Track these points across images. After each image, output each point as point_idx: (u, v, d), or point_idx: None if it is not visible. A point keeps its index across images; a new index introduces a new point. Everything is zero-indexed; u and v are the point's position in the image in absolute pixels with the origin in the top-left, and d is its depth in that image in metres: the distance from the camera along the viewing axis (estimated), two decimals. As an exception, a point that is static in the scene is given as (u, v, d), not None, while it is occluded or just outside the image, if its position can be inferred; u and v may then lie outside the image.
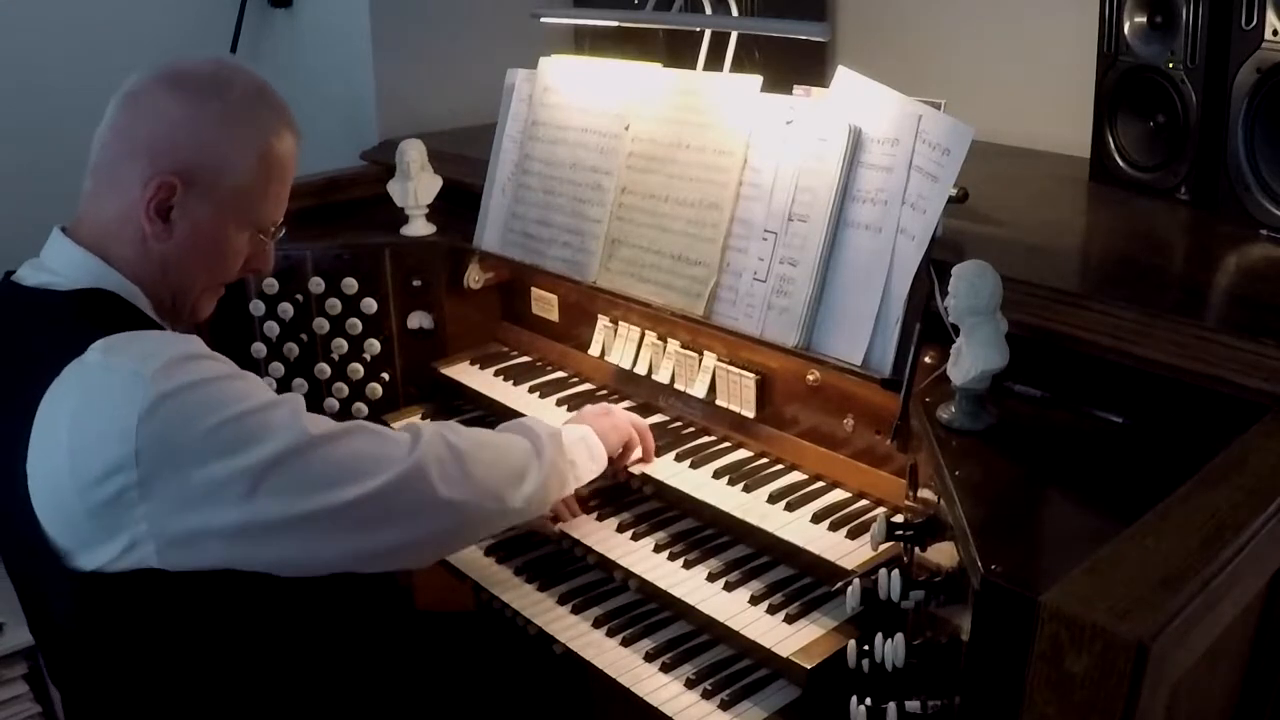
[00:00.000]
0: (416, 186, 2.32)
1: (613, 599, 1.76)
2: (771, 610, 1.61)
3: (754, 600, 1.63)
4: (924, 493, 1.44)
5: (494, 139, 2.25)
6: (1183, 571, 1.00)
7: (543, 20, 2.36)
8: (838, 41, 2.89)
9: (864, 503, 1.74)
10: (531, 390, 2.18)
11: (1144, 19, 2.02)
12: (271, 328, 2.30)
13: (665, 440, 1.93)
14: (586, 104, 2.08)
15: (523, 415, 2.10)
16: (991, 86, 2.54)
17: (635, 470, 1.85)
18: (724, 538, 1.78)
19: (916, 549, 1.43)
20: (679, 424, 2.01)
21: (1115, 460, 1.35)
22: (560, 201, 2.09)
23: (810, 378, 1.81)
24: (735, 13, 2.17)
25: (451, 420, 1.66)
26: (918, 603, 1.31)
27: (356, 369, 2.32)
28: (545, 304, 2.31)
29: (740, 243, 1.81)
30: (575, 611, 1.74)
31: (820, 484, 1.79)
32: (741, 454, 1.90)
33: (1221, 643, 1.12)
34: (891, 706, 1.25)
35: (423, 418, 2.27)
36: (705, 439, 1.95)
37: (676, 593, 1.67)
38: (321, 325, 2.31)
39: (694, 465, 1.85)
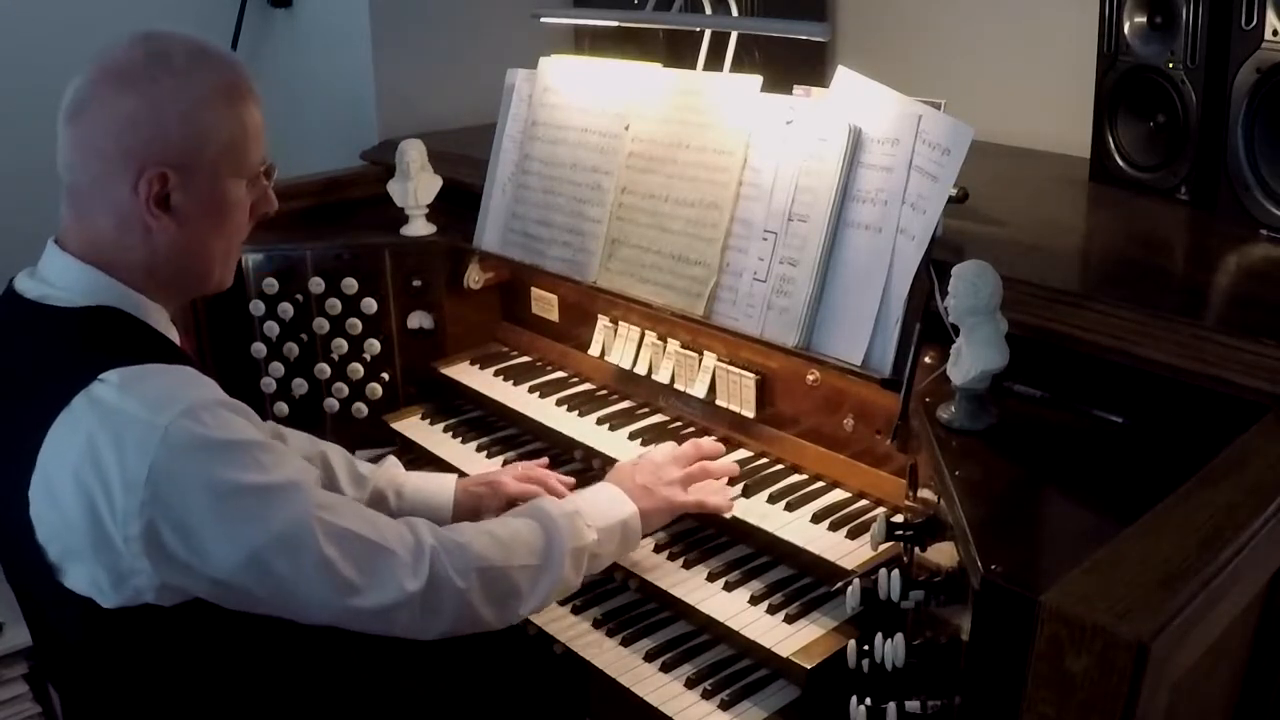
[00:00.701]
0: (416, 186, 2.32)
1: (613, 599, 1.76)
2: (771, 610, 1.61)
3: (754, 600, 1.63)
4: (924, 493, 1.44)
5: (494, 139, 2.25)
6: (1183, 571, 1.00)
7: (543, 20, 2.36)
8: (838, 41, 2.89)
9: (864, 503, 1.74)
10: (531, 390, 2.18)
11: (1144, 19, 2.02)
12: (271, 328, 2.30)
13: (665, 441, 1.93)
14: (586, 104, 2.08)
15: (522, 415, 2.11)
16: (991, 86, 2.53)
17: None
18: (724, 538, 1.78)
19: (916, 549, 1.43)
20: (679, 424, 2.01)
21: (1115, 460, 1.34)
22: (560, 201, 2.09)
23: (810, 378, 1.81)
24: (735, 13, 2.17)
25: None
26: (918, 603, 1.31)
27: (356, 369, 2.32)
28: (545, 304, 2.31)
29: (740, 243, 1.81)
30: (575, 612, 1.74)
31: (820, 484, 1.79)
32: (741, 454, 1.90)
33: (1221, 643, 1.12)
34: (891, 706, 1.25)
35: (423, 418, 2.27)
36: (705, 439, 1.95)
37: (676, 593, 1.67)
38: (321, 325, 2.31)
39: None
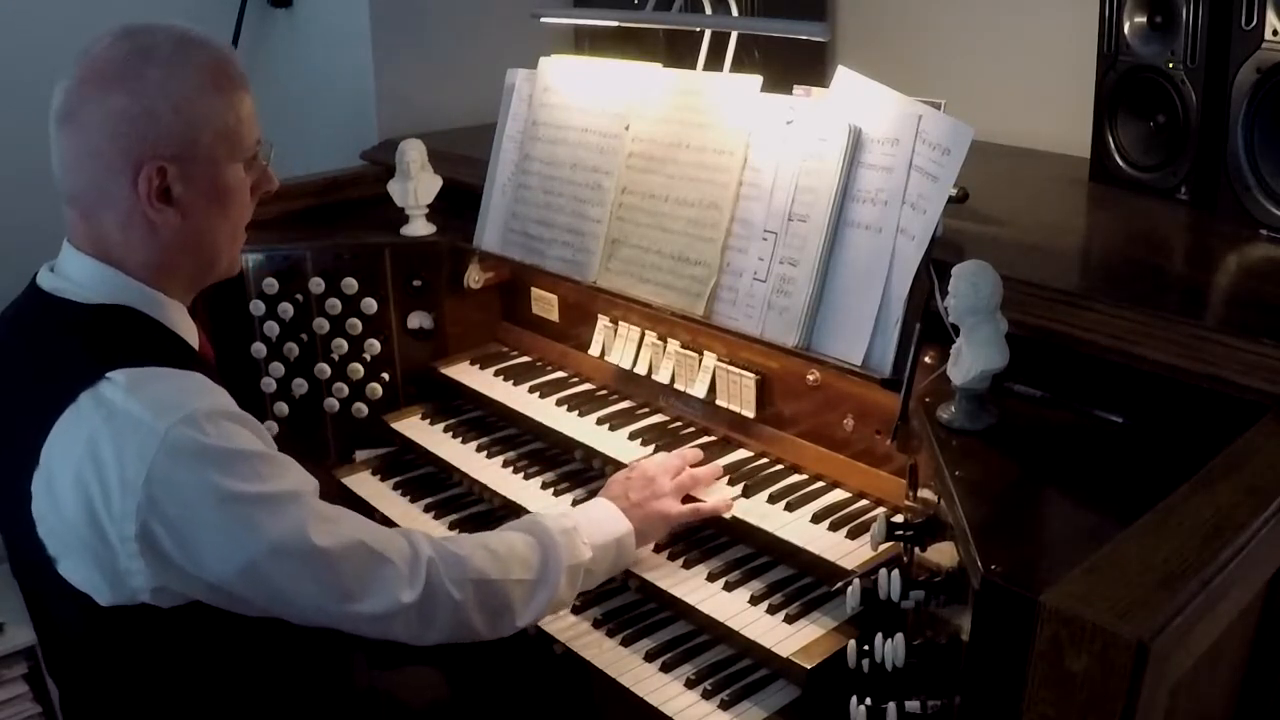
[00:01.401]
0: (416, 186, 2.32)
1: (613, 599, 1.76)
2: (771, 610, 1.61)
3: (754, 600, 1.63)
4: (924, 493, 1.44)
5: (494, 139, 2.25)
6: (1183, 571, 1.00)
7: (543, 20, 2.36)
8: (838, 41, 2.89)
9: (864, 503, 1.74)
10: (532, 390, 2.18)
11: (1144, 19, 2.02)
12: (271, 328, 2.30)
13: (664, 441, 1.94)
14: (586, 104, 2.08)
15: (522, 415, 2.11)
16: (991, 86, 2.53)
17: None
18: (724, 538, 1.78)
19: (916, 549, 1.43)
20: (679, 424, 2.01)
21: (1115, 460, 1.34)
22: (560, 201, 2.09)
23: (810, 378, 1.81)
24: (735, 13, 2.17)
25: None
26: (918, 603, 1.31)
27: (356, 369, 2.32)
28: (545, 304, 2.31)
29: (740, 243, 1.81)
30: (575, 612, 1.73)
31: (820, 484, 1.79)
32: (741, 454, 1.90)
33: (1221, 643, 1.12)
34: (891, 706, 1.25)
35: (423, 418, 2.27)
36: (705, 439, 1.95)
37: (676, 593, 1.68)
38: (321, 325, 2.31)
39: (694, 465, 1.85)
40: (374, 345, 2.32)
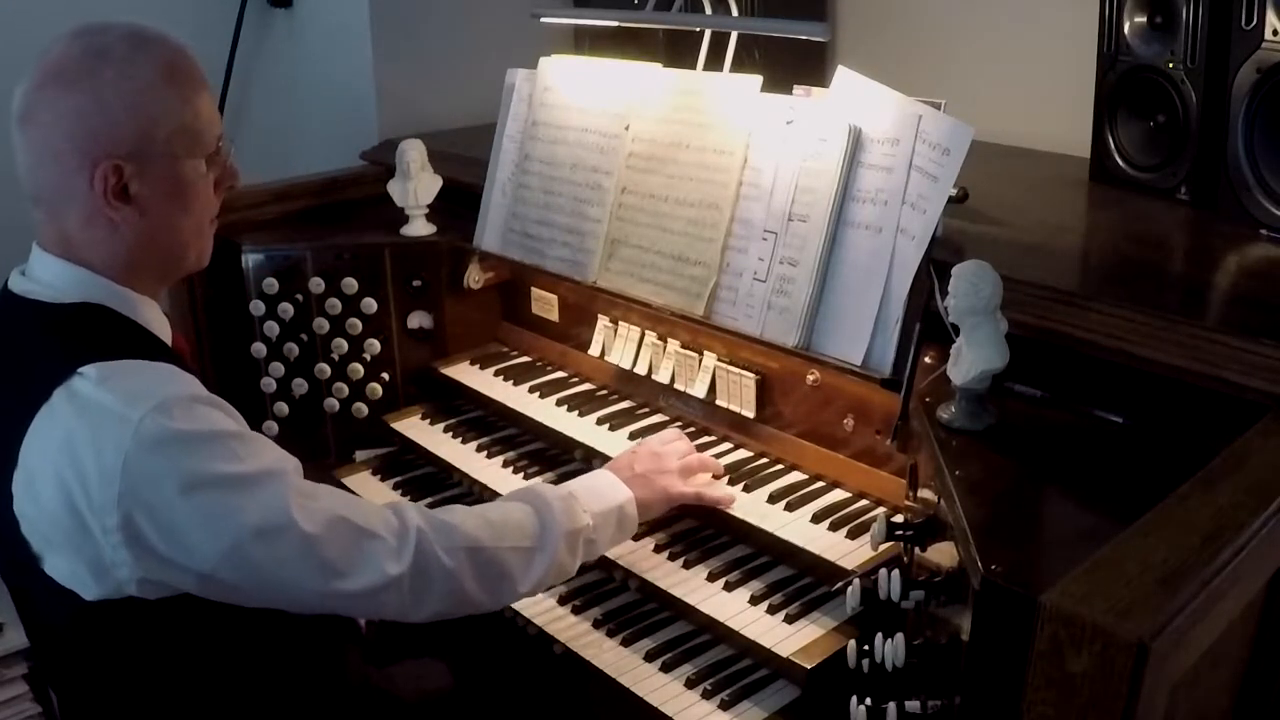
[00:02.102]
0: (416, 186, 2.32)
1: (613, 599, 1.76)
2: (771, 610, 1.61)
3: (754, 600, 1.63)
4: (924, 493, 1.44)
5: (494, 139, 2.25)
6: (1183, 571, 1.00)
7: (543, 20, 2.36)
8: (838, 41, 2.89)
9: (864, 503, 1.74)
10: (532, 390, 2.18)
11: (1144, 19, 2.02)
12: (271, 328, 2.30)
13: (665, 440, 1.94)
14: (586, 104, 2.08)
15: (522, 415, 2.11)
16: (991, 86, 2.53)
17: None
18: (724, 538, 1.78)
19: (916, 549, 1.43)
20: (679, 424, 2.01)
21: (1115, 460, 1.34)
22: (560, 201, 2.09)
23: (810, 378, 1.81)
24: (735, 13, 2.17)
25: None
26: (918, 603, 1.31)
27: (356, 369, 2.32)
28: (545, 304, 2.31)
29: (740, 243, 1.81)
30: (575, 612, 1.74)
31: (820, 484, 1.79)
32: (741, 454, 1.90)
33: (1221, 643, 1.12)
34: (891, 706, 1.25)
35: (423, 418, 2.27)
36: (705, 439, 1.95)
37: (676, 593, 1.67)
38: (321, 325, 2.30)
39: (694, 465, 1.85)
40: (374, 345, 2.32)
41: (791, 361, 1.82)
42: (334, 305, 2.29)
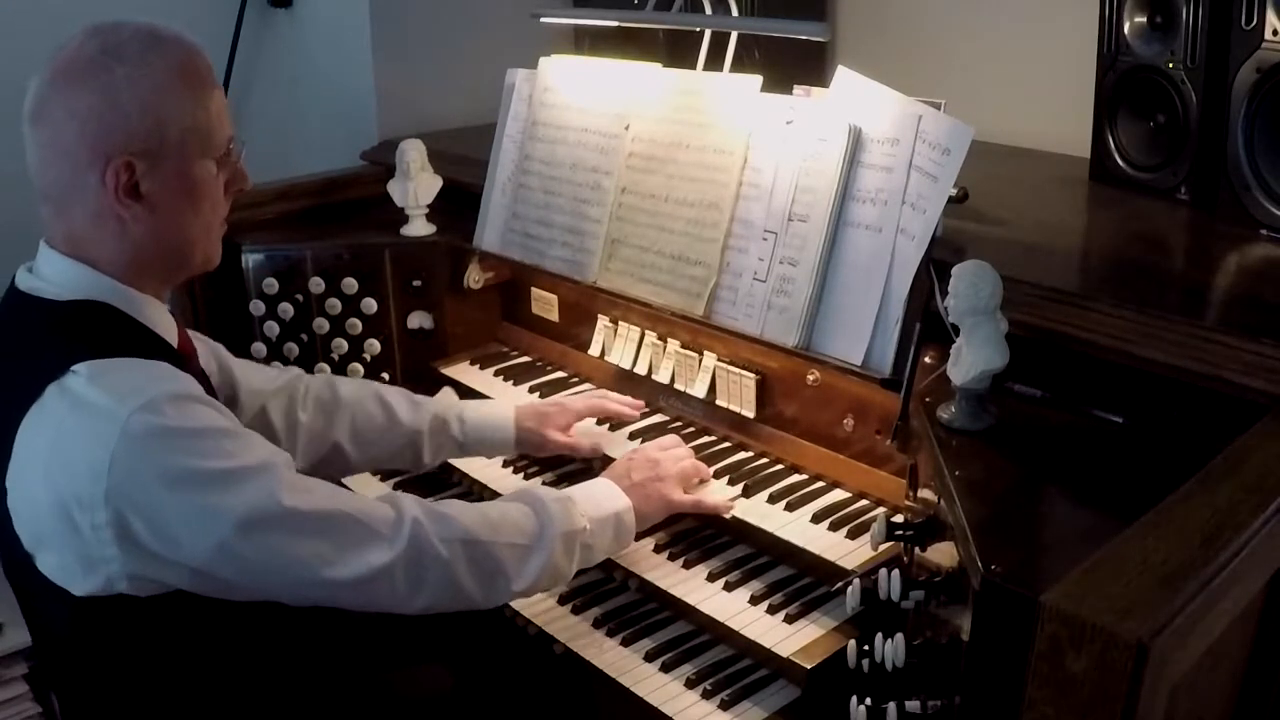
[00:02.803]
0: (416, 186, 2.32)
1: (613, 599, 1.76)
2: (771, 610, 1.61)
3: (754, 600, 1.63)
4: (924, 493, 1.45)
5: (494, 139, 2.25)
6: (1183, 571, 1.00)
7: (543, 20, 2.36)
8: (838, 41, 2.89)
9: (864, 503, 1.74)
10: (531, 390, 2.18)
11: (1144, 19, 2.02)
12: (271, 328, 2.30)
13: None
14: (586, 104, 2.08)
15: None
16: (991, 86, 2.53)
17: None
18: (724, 538, 1.78)
19: (916, 549, 1.43)
20: (679, 424, 2.01)
21: (1115, 460, 1.34)
22: (560, 201, 2.09)
23: (810, 378, 1.81)
24: (735, 13, 2.17)
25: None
26: (918, 603, 1.32)
27: (356, 369, 2.32)
28: (545, 304, 2.31)
29: (740, 243, 1.81)
30: (575, 612, 1.74)
31: (820, 484, 1.79)
32: (741, 454, 1.90)
33: (1221, 643, 1.12)
34: (891, 706, 1.25)
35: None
36: (705, 439, 1.95)
37: (676, 593, 1.67)
38: (321, 325, 2.31)
39: (694, 465, 1.85)
40: (374, 345, 2.32)
41: (791, 361, 1.82)
42: (334, 305, 2.29)
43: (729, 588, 1.67)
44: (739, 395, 1.92)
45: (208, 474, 1.28)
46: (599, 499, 1.65)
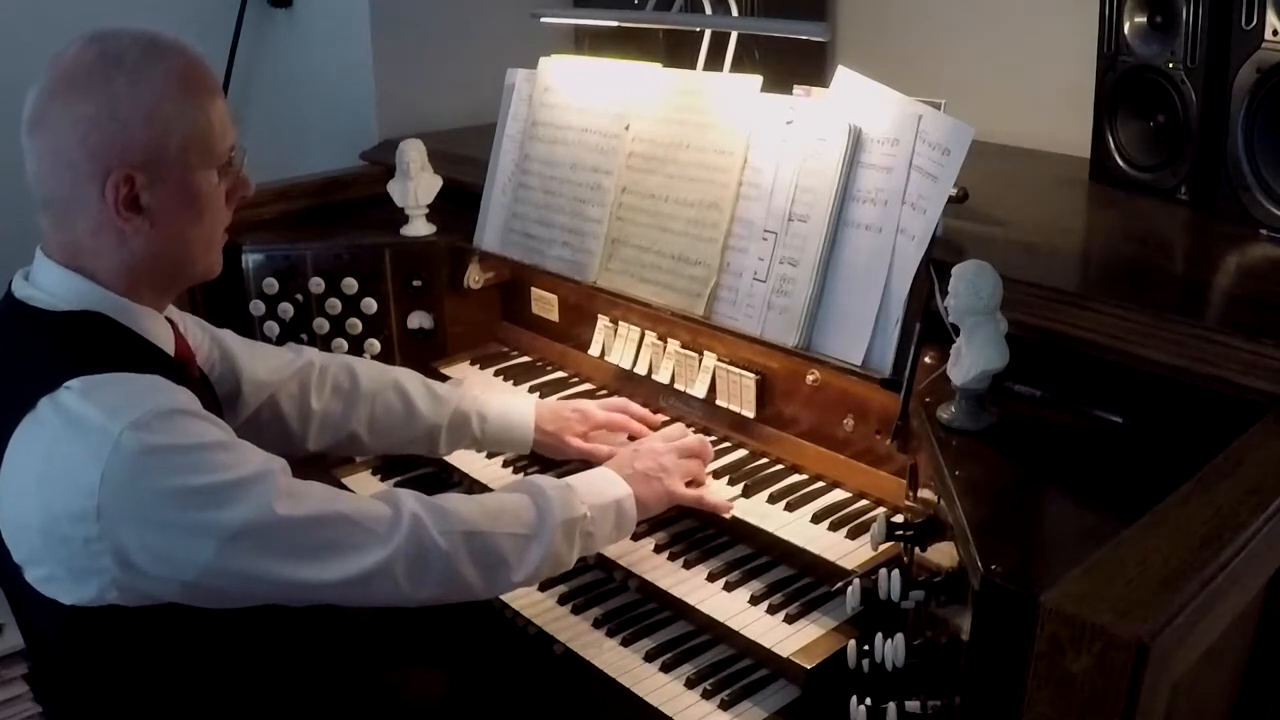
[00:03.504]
0: (416, 186, 2.32)
1: (613, 599, 1.76)
2: (771, 610, 1.61)
3: (754, 600, 1.63)
4: (924, 493, 1.45)
5: (494, 139, 2.25)
6: (1183, 571, 1.00)
7: (543, 20, 2.36)
8: (838, 41, 2.89)
9: (864, 503, 1.74)
10: (532, 390, 2.18)
11: (1144, 19, 2.02)
12: (271, 328, 2.30)
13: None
14: (586, 104, 2.08)
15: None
16: (991, 86, 2.53)
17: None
18: (724, 538, 1.78)
19: (916, 549, 1.43)
20: (679, 424, 2.01)
21: (1115, 460, 1.35)
22: (560, 201, 2.09)
23: (810, 378, 1.81)
24: (735, 13, 2.17)
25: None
26: (918, 603, 1.31)
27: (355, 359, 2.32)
28: (545, 304, 2.31)
29: (740, 243, 1.81)
30: (575, 612, 1.73)
31: (820, 484, 1.79)
32: (741, 454, 1.90)
33: (1221, 643, 1.12)
34: (891, 706, 1.25)
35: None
36: (705, 439, 1.95)
37: (676, 593, 1.67)
38: (321, 325, 2.31)
39: (694, 465, 1.85)
40: (374, 345, 2.32)
41: (791, 361, 1.82)
42: (334, 305, 2.29)
43: (729, 588, 1.67)
44: (739, 395, 1.92)
45: (199, 490, 1.27)
46: (599, 486, 1.64)
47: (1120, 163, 2.11)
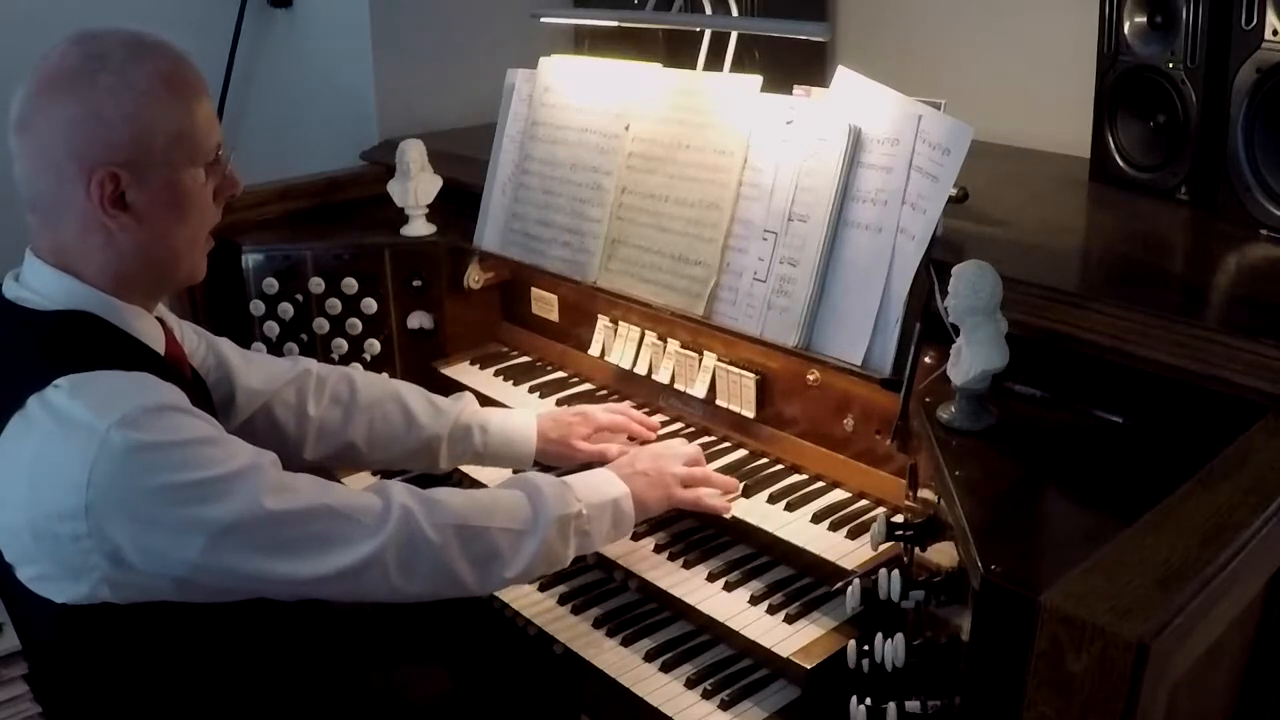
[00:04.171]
0: (416, 186, 2.32)
1: (613, 599, 1.76)
2: (771, 610, 1.61)
3: (754, 600, 1.63)
4: (924, 493, 1.45)
5: (494, 139, 2.25)
6: (1183, 571, 1.00)
7: (543, 20, 2.36)
8: (838, 41, 2.89)
9: (864, 503, 1.74)
10: (531, 390, 2.18)
11: (1144, 19, 2.02)
12: (271, 328, 2.30)
13: (666, 441, 1.93)
14: (586, 104, 2.08)
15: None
16: (991, 86, 2.54)
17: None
18: (724, 538, 1.78)
19: (916, 549, 1.43)
20: (679, 424, 2.01)
21: (1115, 460, 1.35)
22: (560, 201, 2.09)
23: (810, 378, 1.81)
24: (735, 13, 2.17)
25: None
26: (918, 603, 1.32)
27: (356, 369, 2.32)
28: (545, 304, 2.31)
29: (740, 243, 1.81)
30: (575, 612, 1.73)
31: (820, 484, 1.79)
32: (741, 454, 1.90)
33: (1221, 643, 1.12)
34: (891, 706, 1.25)
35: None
36: (705, 439, 1.95)
37: (676, 593, 1.67)
38: (321, 325, 2.31)
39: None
40: (374, 345, 2.32)
41: (791, 361, 1.82)
42: (334, 305, 2.29)
43: (729, 588, 1.67)
44: (739, 395, 1.92)
45: (188, 486, 1.27)
46: (597, 485, 1.64)
47: (1120, 163, 2.11)
